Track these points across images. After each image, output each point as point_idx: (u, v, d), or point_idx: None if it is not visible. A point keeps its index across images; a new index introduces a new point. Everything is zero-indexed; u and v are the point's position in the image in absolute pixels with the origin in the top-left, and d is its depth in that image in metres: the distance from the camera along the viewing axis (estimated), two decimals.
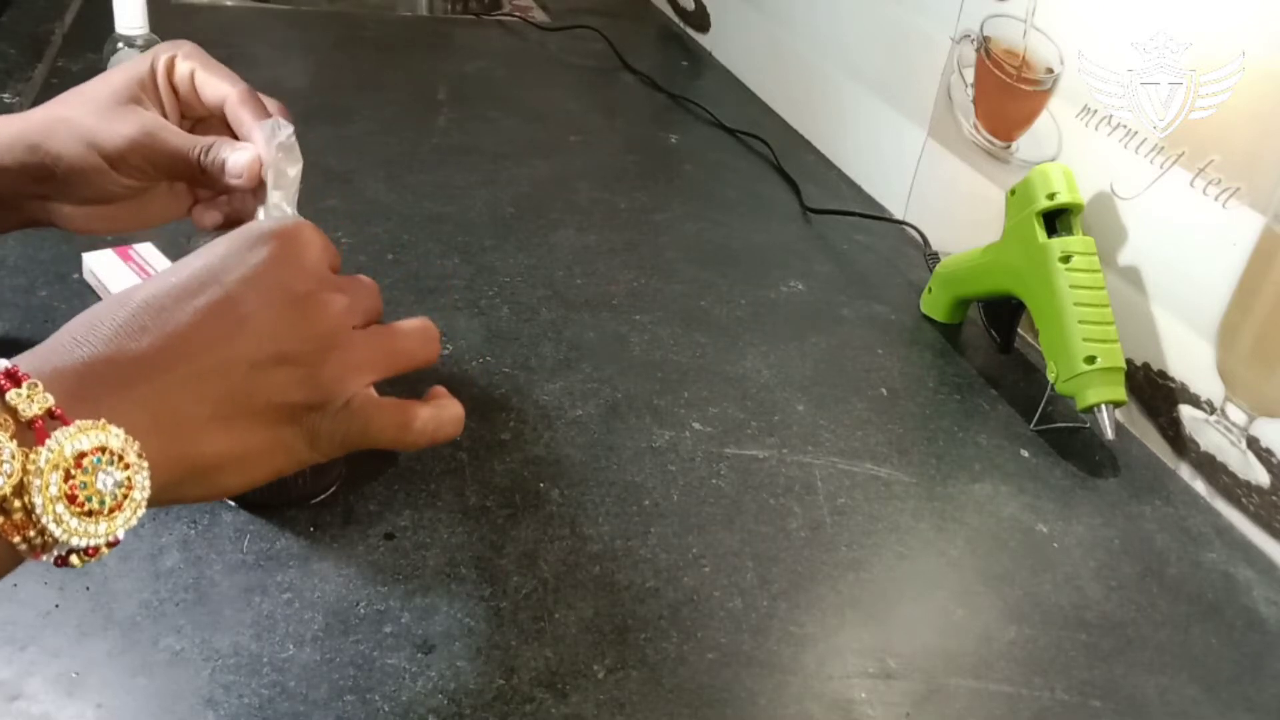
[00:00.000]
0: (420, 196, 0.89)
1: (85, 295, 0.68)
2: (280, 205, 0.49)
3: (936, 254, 0.90)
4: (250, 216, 0.52)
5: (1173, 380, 0.70)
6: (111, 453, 0.31)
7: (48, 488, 0.30)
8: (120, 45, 0.85)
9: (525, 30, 1.39)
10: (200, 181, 0.52)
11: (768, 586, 0.54)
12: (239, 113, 0.50)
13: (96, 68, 0.88)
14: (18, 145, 0.48)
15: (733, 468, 0.62)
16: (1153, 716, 0.51)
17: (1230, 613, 0.58)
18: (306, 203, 0.50)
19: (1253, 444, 0.65)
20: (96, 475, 0.30)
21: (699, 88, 1.26)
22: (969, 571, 0.58)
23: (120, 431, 0.31)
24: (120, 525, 0.31)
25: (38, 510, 0.30)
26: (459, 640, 0.48)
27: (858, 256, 0.92)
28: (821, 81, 1.12)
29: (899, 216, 0.99)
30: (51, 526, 0.30)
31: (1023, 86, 0.82)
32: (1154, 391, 0.72)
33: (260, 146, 0.49)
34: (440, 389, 0.43)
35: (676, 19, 1.50)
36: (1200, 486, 0.69)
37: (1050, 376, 0.69)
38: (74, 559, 0.31)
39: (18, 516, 0.30)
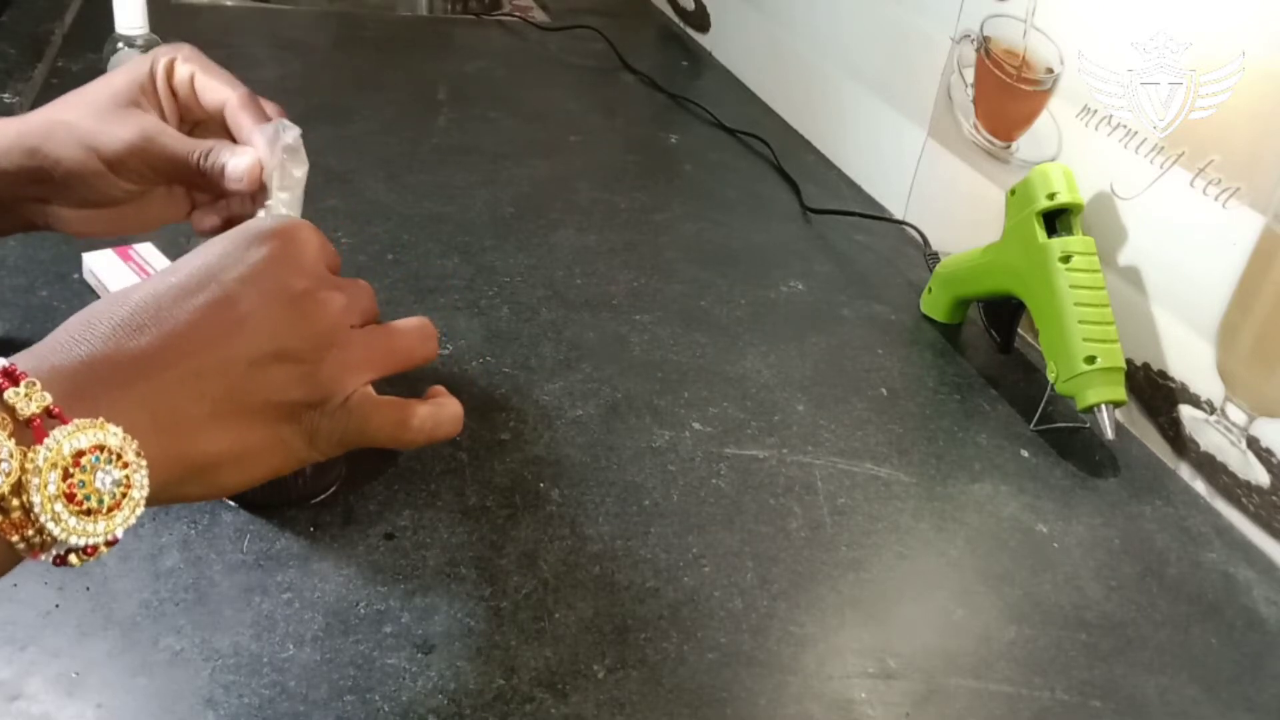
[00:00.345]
0: (420, 196, 0.89)
1: (85, 295, 0.68)
2: (281, 206, 0.49)
3: (936, 254, 0.90)
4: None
5: (1173, 380, 0.70)
6: (110, 451, 0.31)
7: (46, 486, 0.29)
8: (120, 45, 0.85)
9: (525, 30, 1.39)
10: (199, 185, 0.52)
11: (768, 586, 0.54)
12: (238, 117, 0.50)
13: (96, 67, 0.88)
14: (16, 148, 0.48)
15: (733, 468, 0.62)
16: (1153, 716, 0.51)
17: (1230, 613, 0.58)
18: (307, 203, 0.51)
19: (1253, 444, 0.65)
20: (95, 474, 0.30)
21: (699, 88, 1.26)
22: (969, 571, 0.58)
23: (119, 430, 0.31)
24: (119, 524, 0.31)
25: (36, 509, 0.29)
26: (459, 640, 0.48)
27: (858, 256, 0.92)
28: (821, 81, 1.12)
29: (899, 216, 0.99)
30: (50, 525, 0.30)
31: (1023, 86, 0.82)
32: (1154, 391, 0.72)
33: (260, 150, 0.49)
34: (439, 388, 0.43)
35: (676, 19, 1.50)
36: (1200, 486, 0.69)
37: (1050, 376, 0.69)
38: (73, 558, 0.31)
39: (16, 515, 0.29)
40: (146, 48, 0.86)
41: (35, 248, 0.72)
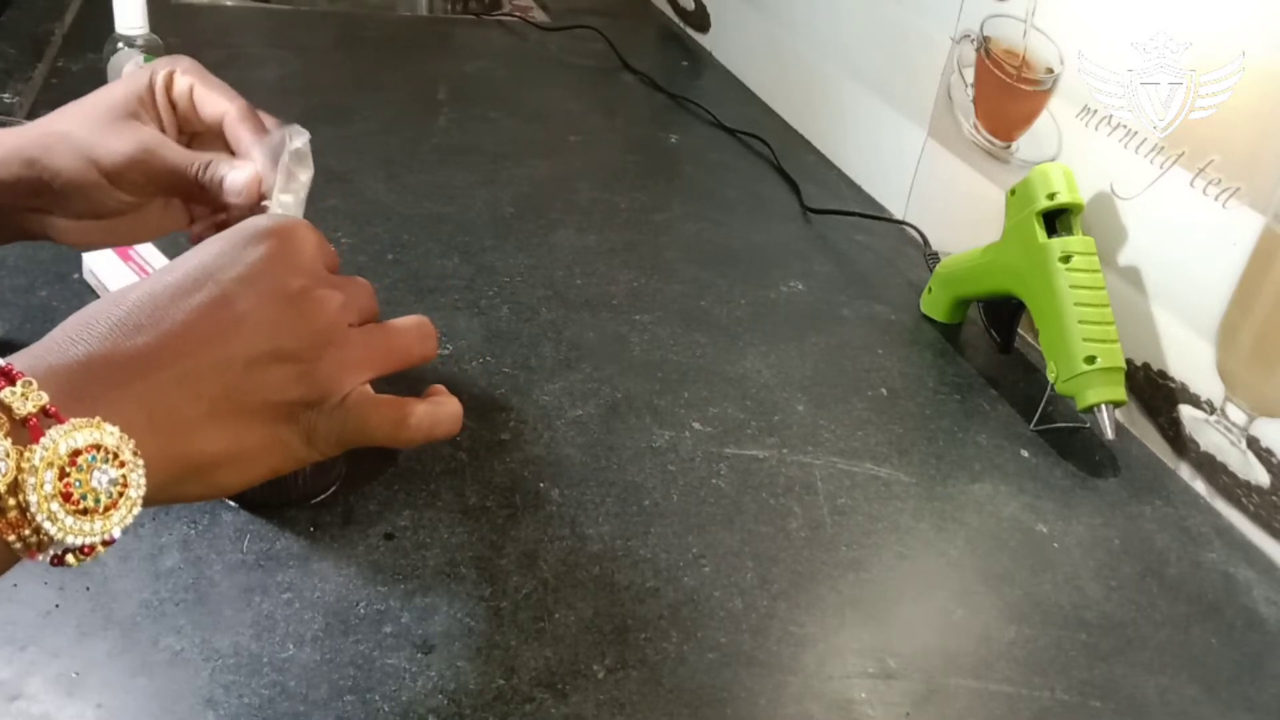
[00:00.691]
0: (420, 196, 0.89)
1: (85, 295, 0.68)
2: (281, 209, 0.49)
3: (936, 254, 0.90)
4: None
5: (1173, 380, 0.70)
6: (106, 450, 0.31)
7: (42, 485, 0.29)
8: (120, 45, 0.86)
9: (525, 30, 1.39)
10: (198, 198, 0.52)
11: (768, 586, 0.54)
12: (237, 130, 0.50)
13: (96, 67, 0.88)
14: (15, 159, 0.48)
15: (733, 468, 0.62)
16: (1153, 716, 0.51)
17: (1230, 613, 0.58)
18: (307, 204, 0.50)
19: (1253, 444, 0.65)
20: (91, 473, 0.30)
21: (699, 88, 1.26)
22: (969, 571, 0.58)
23: (115, 429, 0.31)
24: (116, 524, 0.31)
25: (32, 508, 0.29)
26: (459, 640, 0.48)
27: (858, 256, 0.92)
28: (821, 81, 1.12)
29: (899, 216, 0.99)
30: (46, 525, 0.30)
31: (1023, 86, 0.82)
32: (1154, 391, 0.72)
33: (259, 164, 0.49)
34: (438, 387, 0.43)
35: (676, 19, 1.50)
36: (1200, 486, 0.69)
37: (1050, 376, 0.69)
38: (70, 558, 0.31)
39: (12, 515, 0.29)
40: (146, 48, 0.86)
41: (35, 248, 0.72)
